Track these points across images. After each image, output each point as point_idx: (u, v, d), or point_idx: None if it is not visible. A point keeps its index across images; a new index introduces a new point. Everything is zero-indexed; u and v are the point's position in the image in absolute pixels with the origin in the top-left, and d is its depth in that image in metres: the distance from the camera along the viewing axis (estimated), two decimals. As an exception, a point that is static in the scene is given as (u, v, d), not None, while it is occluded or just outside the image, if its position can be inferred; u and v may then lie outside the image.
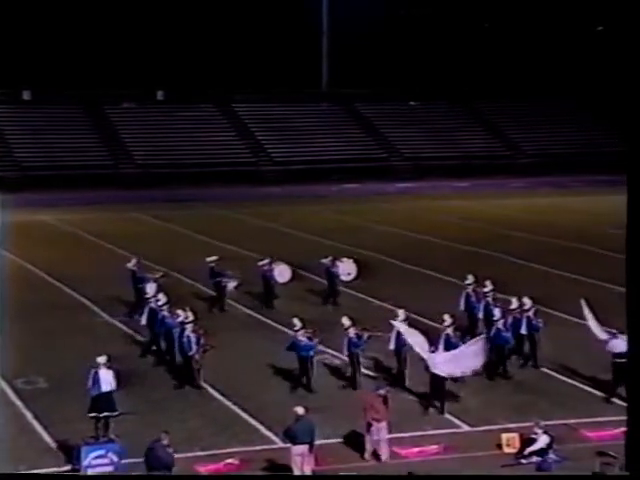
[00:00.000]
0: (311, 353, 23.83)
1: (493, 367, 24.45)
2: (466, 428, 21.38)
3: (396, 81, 76.47)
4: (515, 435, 20.11)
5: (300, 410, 18.66)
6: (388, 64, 76.01)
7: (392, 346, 24.14)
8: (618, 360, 22.60)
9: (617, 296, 32.81)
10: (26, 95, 71.65)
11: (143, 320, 27.02)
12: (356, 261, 35.55)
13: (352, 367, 24.20)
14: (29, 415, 22.37)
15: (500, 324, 24.91)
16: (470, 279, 28.78)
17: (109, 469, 19.09)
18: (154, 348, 26.59)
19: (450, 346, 23.24)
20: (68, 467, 19.41)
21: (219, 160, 68.77)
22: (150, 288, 29.38)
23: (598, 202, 56.44)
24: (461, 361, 22.24)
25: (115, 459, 19.12)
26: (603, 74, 76.75)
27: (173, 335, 25.21)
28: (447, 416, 22.08)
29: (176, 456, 18.05)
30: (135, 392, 23.42)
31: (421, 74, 76.61)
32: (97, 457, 18.99)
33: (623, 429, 20.95)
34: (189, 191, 62.12)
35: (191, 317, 24.82)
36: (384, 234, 46.00)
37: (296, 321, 24.46)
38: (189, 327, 24.34)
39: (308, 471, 18.48)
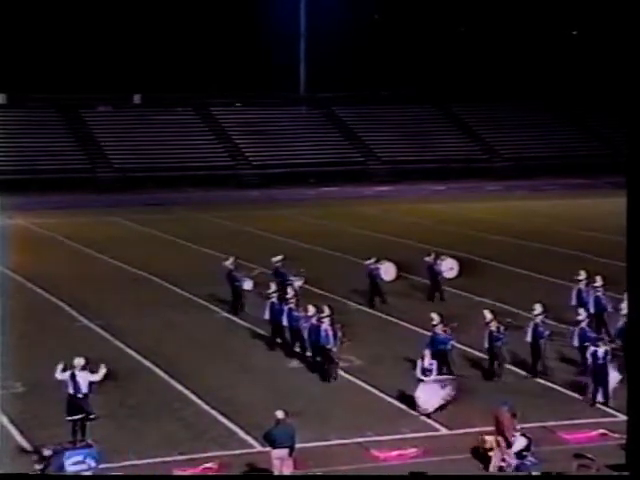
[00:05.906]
0: (448, 346, 24.54)
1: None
2: (444, 431, 21.40)
3: (373, 85, 76.58)
4: (493, 438, 20.17)
5: (280, 414, 18.64)
6: (366, 68, 76.07)
7: (528, 338, 25.10)
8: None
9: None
10: (1, 99, 71.25)
11: (266, 315, 27.66)
12: (457, 258, 35.67)
13: (491, 360, 24.80)
14: (5, 419, 22.24)
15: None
16: (582, 275, 29.13)
17: (87, 475, 18.93)
18: (279, 341, 27.15)
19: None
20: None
21: (197, 164, 68.66)
22: (247, 285, 30.78)
23: (573, 205, 56.77)
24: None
25: (93, 464, 18.91)
26: (580, 78, 77.12)
27: (300, 328, 25.79)
28: (425, 419, 22.13)
29: (153, 460, 17.87)
30: (111, 396, 23.27)
31: (398, 78, 76.72)
32: (75, 463, 18.72)
33: (600, 431, 21.10)
34: (167, 195, 61.95)
35: (327, 311, 25.14)
36: (360, 237, 46.01)
37: (434, 316, 25.13)
38: (327, 321, 24.64)
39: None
